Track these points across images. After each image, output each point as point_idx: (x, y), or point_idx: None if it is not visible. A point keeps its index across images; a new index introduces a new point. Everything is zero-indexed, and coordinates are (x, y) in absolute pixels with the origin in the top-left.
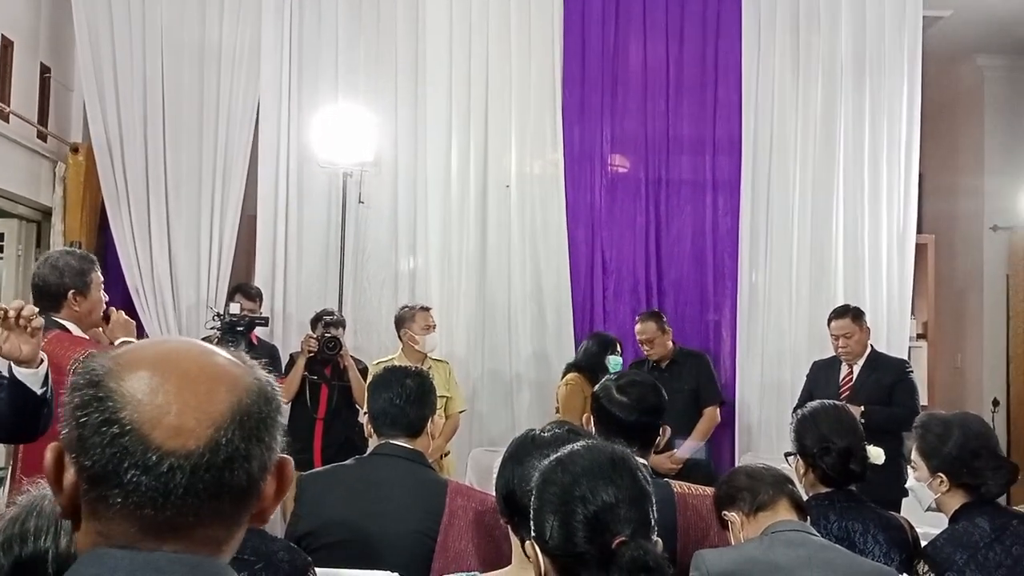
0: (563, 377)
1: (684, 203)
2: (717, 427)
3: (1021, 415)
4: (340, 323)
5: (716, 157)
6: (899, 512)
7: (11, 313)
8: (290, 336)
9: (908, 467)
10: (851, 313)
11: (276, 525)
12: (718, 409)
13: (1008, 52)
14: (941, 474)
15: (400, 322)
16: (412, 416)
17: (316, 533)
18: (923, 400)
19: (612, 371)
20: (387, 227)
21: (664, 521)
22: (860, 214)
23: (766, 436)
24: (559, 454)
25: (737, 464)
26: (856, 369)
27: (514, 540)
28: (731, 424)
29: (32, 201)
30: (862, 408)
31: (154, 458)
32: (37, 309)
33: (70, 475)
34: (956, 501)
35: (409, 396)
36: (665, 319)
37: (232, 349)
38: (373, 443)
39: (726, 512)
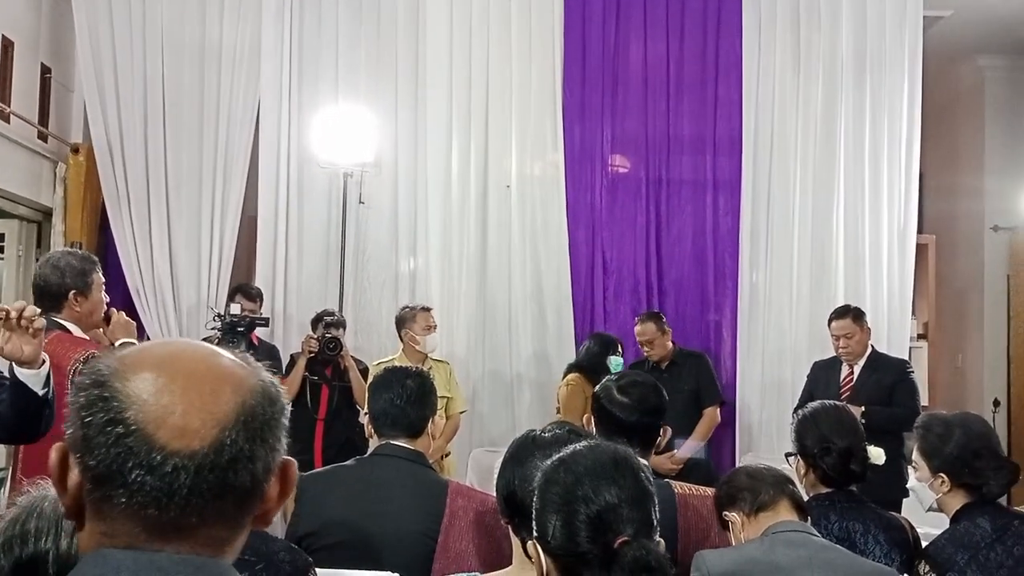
0: (564, 377)
1: (684, 203)
2: (717, 427)
3: (1022, 415)
4: (340, 324)
5: (716, 156)
6: (900, 512)
7: (13, 314)
8: (291, 337)
9: (909, 467)
10: (852, 313)
11: (277, 526)
12: (718, 409)
13: (1009, 52)
14: (942, 474)
15: (401, 322)
16: (413, 417)
17: (317, 534)
18: (924, 400)
19: (613, 371)
20: (388, 228)
21: (665, 522)
22: (861, 214)
23: (767, 436)
24: (562, 454)
25: (738, 464)
26: (857, 369)
27: (515, 541)
28: (732, 424)
29: (33, 201)
30: (863, 408)
31: (158, 458)
32: (39, 310)
33: (74, 475)
34: (957, 501)
35: (410, 397)
36: (665, 320)
37: (234, 350)
38: (374, 444)
39: (727, 512)
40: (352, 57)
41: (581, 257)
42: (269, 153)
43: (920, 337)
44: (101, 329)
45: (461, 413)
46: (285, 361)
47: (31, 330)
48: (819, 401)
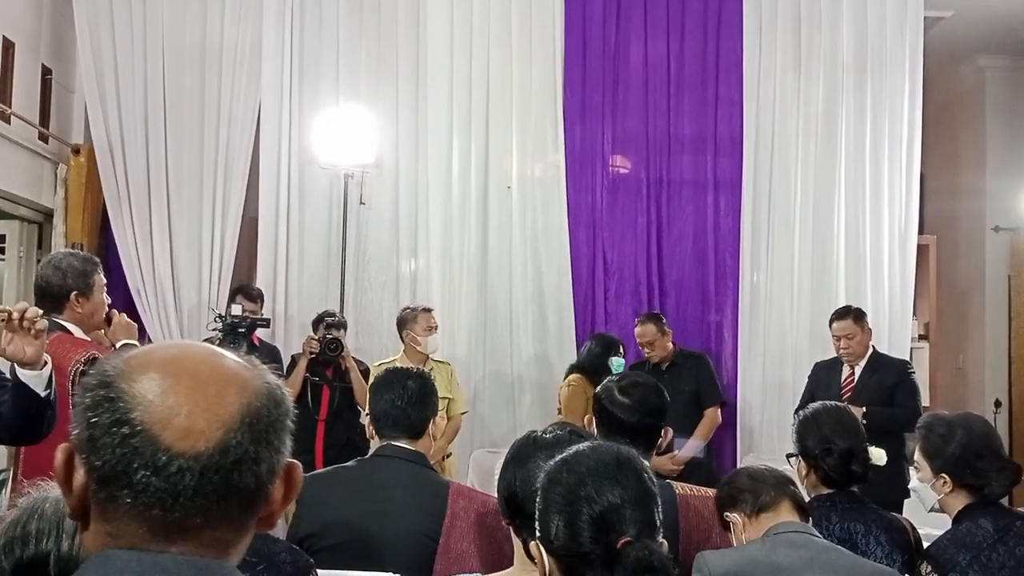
0: (565, 378)
1: (685, 203)
2: (719, 428)
3: (1023, 416)
4: (341, 324)
5: (717, 157)
6: (901, 513)
7: (15, 315)
8: (292, 337)
9: (910, 468)
10: (853, 314)
11: (278, 526)
12: (719, 410)
13: (1009, 53)
14: (944, 475)
15: (402, 323)
16: (414, 418)
17: (318, 534)
18: (925, 401)
19: (615, 372)
20: (388, 228)
21: (666, 522)
22: (861, 214)
23: (768, 437)
24: (565, 454)
25: (739, 465)
26: (858, 370)
27: (516, 542)
28: (733, 425)
29: (34, 203)
30: (864, 409)
31: (164, 459)
32: (41, 311)
33: (80, 476)
34: (959, 502)
35: (411, 398)
36: (665, 321)
37: (238, 352)
38: (375, 445)
39: (728, 513)
40: (353, 58)
41: (582, 258)
42: (270, 154)
43: (921, 338)
44: (102, 330)
45: (462, 414)
46: (286, 362)
47: (33, 331)
48: (820, 402)
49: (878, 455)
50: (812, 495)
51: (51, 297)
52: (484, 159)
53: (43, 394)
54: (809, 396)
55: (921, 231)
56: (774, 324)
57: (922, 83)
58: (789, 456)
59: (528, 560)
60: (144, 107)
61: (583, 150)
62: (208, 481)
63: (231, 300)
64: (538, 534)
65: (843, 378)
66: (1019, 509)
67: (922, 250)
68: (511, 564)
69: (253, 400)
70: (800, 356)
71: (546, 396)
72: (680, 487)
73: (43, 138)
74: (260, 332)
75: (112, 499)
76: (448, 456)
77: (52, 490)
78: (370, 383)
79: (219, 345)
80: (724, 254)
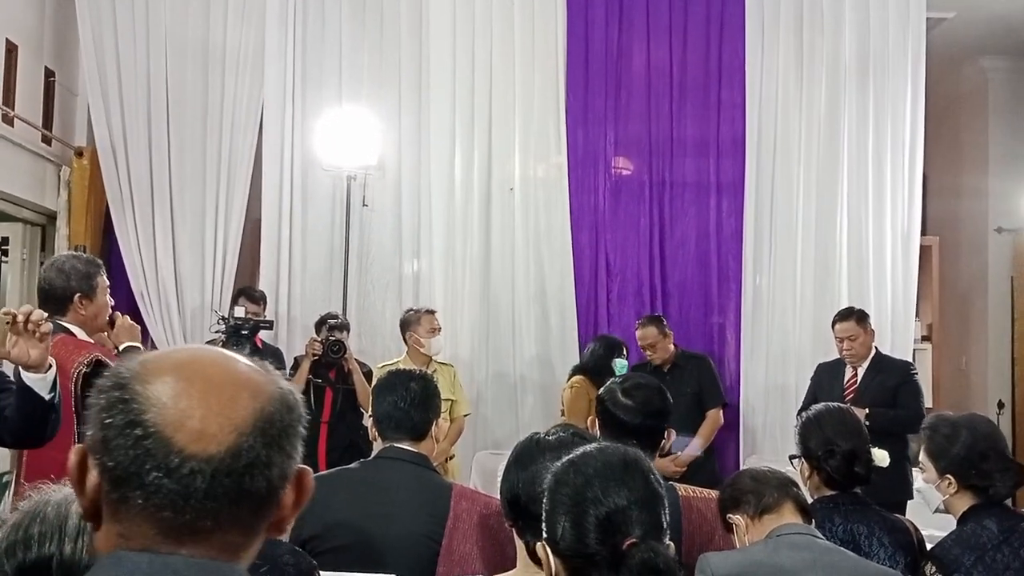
0: (568, 380)
1: (688, 205)
2: (721, 430)
3: None
4: (344, 326)
5: (720, 159)
6: (904, 514)
7: (20, 317)
8: (294, 339)
9: (914, 469)
10: (855, 315)
11: None
12: (721, 411)
13: (1012, 54)
14: (949, 475)
15: (405, 325)
16: (416, 419)
17: (321, 536)
18: (928, 402)
19: (618, 374)
20: (391, 230)
21: (669, 524)
22: (864, 216)
23: (770, 439)
24: (572, 456)
25: (741, 467)
26: (860, 371)
27: (519, 543)
28: (735, 427)
29: (37, 205)
30: (866, 410)
31: (176, 461)
32: (46, 314)
33: (93, 476)
34: (964, 503)
35: (413, 399)
36: (666, 323)
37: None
38: (377, 447)
39: (731, 515)
40: (355, 60)
41: (584, 260)
42: (273, 156)
43: (924, 339)
44: (105, 332)
45: (465, 416)
46: (289, 364)
47: (38, 334)
48: (823, 403)
49: (881, 456)
50: (815, 497)
51: (54, 299)
52: (487, 161)
53: (47, 397)
54: (812, 397)
55: (924, 232)
56: (777, 326)
57: (924, 84)
58: (792, 458)
59: (531, 562)
60: (147, 109)
61: (586, 152)
62: (219, 484)
63: (234, 302)
64: (544, 535)
65: (846, 379)
66: None
67: (925, 251)
68: (514, 566)
69: (266, 405)
70: (803, 358)
71: (549, 398)
72: (683, 489)
73: (46, 140)
74: (263, 334)
75: (124, 500)
76: (451, 458)
77: (54, 493)
78: (373, 385)
79: (222, 347)
80: (727, 256)
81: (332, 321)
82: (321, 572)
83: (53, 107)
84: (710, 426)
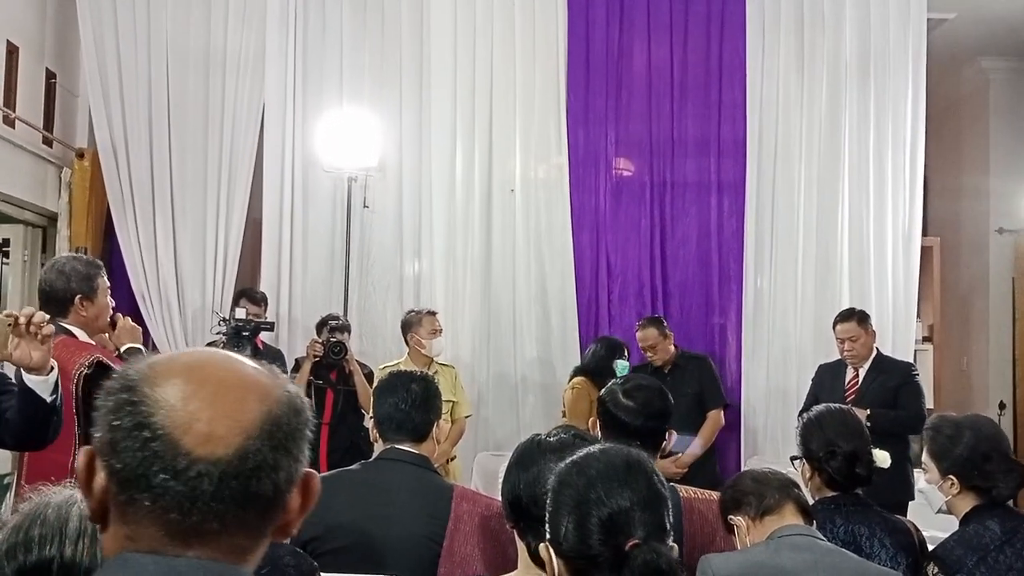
0: (569, 381)
1: (689, 206)
2: (722, 431)
3: None
4: (345, 328)
5: (721, 159)
6: (905, 515)
7: (22, 320)
8: (295, 341)
9: (916, 470)
10: (856, 316)
11: None
12: (722, 412)
13: (1012, 54)
14: (952, 476)
15: (407, 326)
16: (417, 421)
17: (322, 538)
18: (929, 403)
19: (619, 375)
20: (392, 231)
21: (673, 525)
22: (865, 216)
23: (772, 440)
24: (575, 457)
25: (743, 468)
26: (862, 372)
27: (520, 545)
28: (737, 428)
29: (38, 207)
30: (868, 411)
31: (184, 463)
32: (48, 316)
33: (100, 478)
34: (967, 503)
35: (414, 401)
36: (666, 324)
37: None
38: (379, 448)
39: (732, 516)
40: (356, 61)
41: (585, 260)
42: (273, 157)
43: (925, 340)
44: (107, 334)
45: (466, 417)
46: (290, 365)
47: (40, 336)
48: (824, 404)
49: (882, 457)
50: (816, 498)
51: (55, 301)
52: (487, 162)
53: (49, 399)
54: (813, 398)
55: (925, 233)
56: (778, 327)
57: (925, 85)
58: (793, 459)
59: (532, 564)
60: (148, 111)
61: (587, 153)
62: (226, 487)
63: (235, 303)
64: (548, 536)
65: (847, 380)
66: None
67: (926, 252)
68: (515, 567)
69: (273, 408)
70: (804, 358)
71: (550, 399)
72: (684, 490)
73: (47, 142)
74: (264, 335)
75: (131, 502)
76: (452, 459)
77: (54, 496)
78: (374, 386)
79: (222, 349)
80: (728, 257)
81: (333, 322)
82: (322, 573)
83: (54, 109)
84: (711, 427)
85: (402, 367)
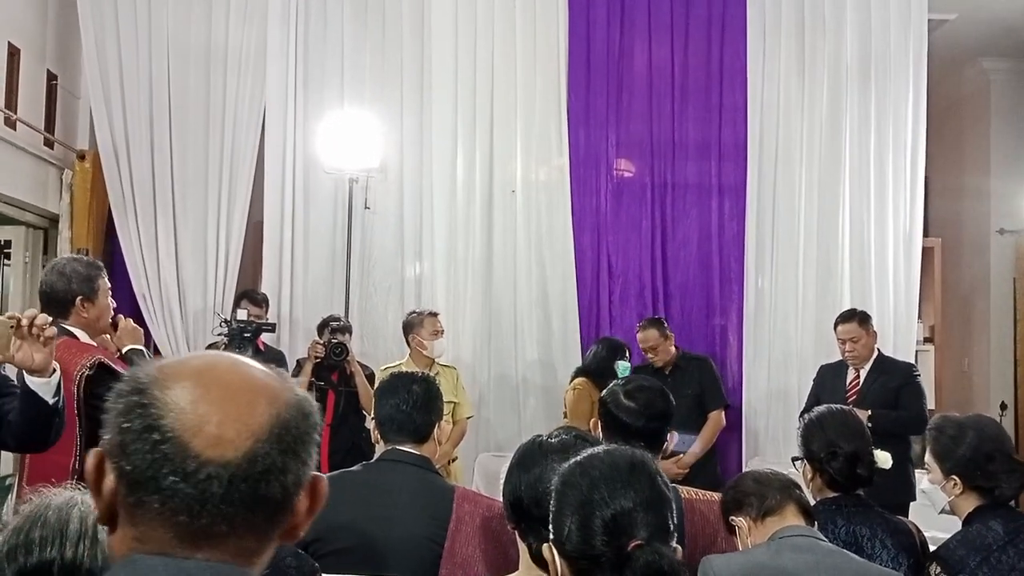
0: (571, 382)
1: (690, 207)
2: (723, 432)
3: None
4: (347, 329)
5: (722, 161)
6: (907, 516)
7: (24, 322)
8: (297, 342)
9: (917, 471)
10: (858, 317)
11: None
12: (723, 413)
13: (1013, 55)
14: (955, 476)
15: (408, 328)
16: (419, 422)
17: (323, 539)
18: (930, 404)
19: (620, 376)
20: (393, 233)
21: (677, 526)
22: (866, 217)
23: (773, 441)
24: (579, 457)
25: (744, 469)
26: (863, 373)
27: (521, 546)
28: (738, 429)
29: (39, 208)
30: (869, 412)
31: (193, 465)
32: (50, 318)
33: (110, 480)
34: (969, 504)
35: (416, 402)
36: (666, 325)
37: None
38: (380, 449)
39: (733, 517)
40: (357, 62)
41: (586, 262)
42: (275, 158)
43: (926, 340)
44: (109, 335)
45: (468, 418)
46: (291, 367)
47: (42, 338)
48: (825, 405)
49: (883, 458)
50: (817, 499)
51: (56, 303)
52: (488, 163)
53: (51, 401)
54: (814, 399)
55: (926, 234)
56: (779, 328)
57: (926, 86)
58: (794, 460)
59: (533, 565)
60: (149, 112)
61: (587, 154)
62: (235, 489)
63: (236, 305)
64: (551, 536)
65: (848, 381)
66: None
67: (927, 253)
68: (516, 568)
69: (283, 412)
70: (805, 359)
71: (551, 400)
72: (685, 491)
73: (48, 144)
74: (265, 337)
75: (141, 504)
76: (453, 460)
77: (55, 497)
78: (375, 388)
79: (224, 350)
80: (729, 258)
81: (334, 323)
82: (323, 574)
83: (55, 110)
84: (712, 428)
85: (403, 368)
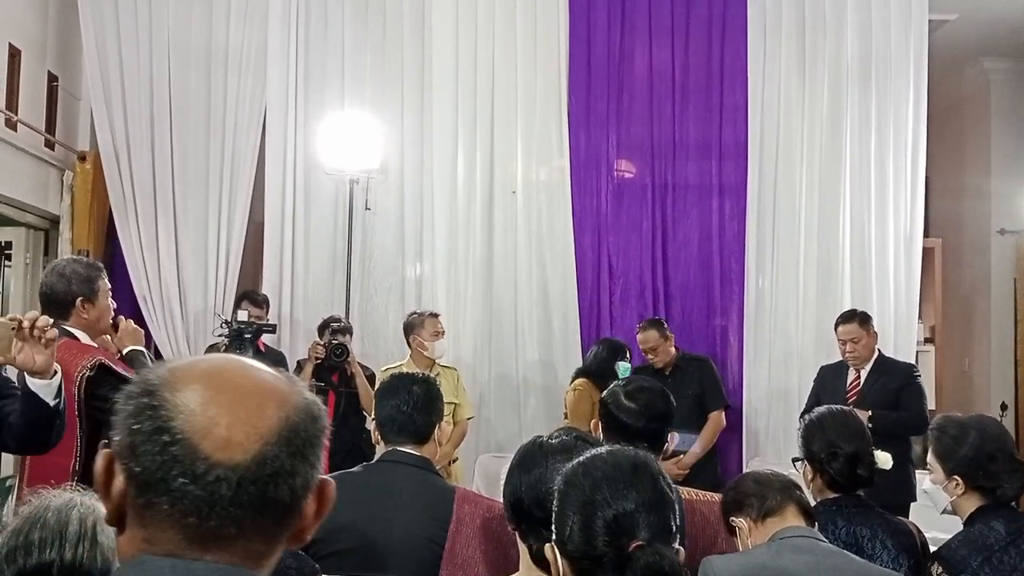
0: (571, 382)
1: (690, 208)
2: (724, 432)
3: None
4: (347, 330)
5: (722, 162)
6: (907, 517)
7: (25, 324)
8: (297, 343)
9: (917, 471)
10: (858, 317)
11: None
12: (723, 413)
13: (1013, 55)
14: (957, 477)
15: (409, 328)
16: (419, 423)
17: (323, 540)
18: (931, 404)
19: (621, 377)
20: (394, 234)
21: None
22: (867, 218)
23: (773, 441)
24: (582, 458)
25: (744, 470)
26: (863, 374)
27: (522, 547)
28: (738, 430)
29: (40, 209)
30: (869, 413)
31: (202, 467)
32: (52, 320)
33: (119, 482)
34: (971, 504)
35: (416, 403)
36: (666, 325)
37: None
38: (380, 450)
39: (734, 518)
40: (358, 63)
41: (587, 262)
42: (275, 159)
43: (927, 341)
44: (109, 336)
45: (468, 419)
46: (292, 367)
47: (43, 340)
48: (826, 406)
49: (884, 459)
50: (818, 499)
51: (56, 304)
52: (489, 164)
53: (52, 403)
54: (815, 400)
55: (926, 234)
56: (779, 328)
57: (926, 86)
58: (795, 460)
59: (534, 566)
60: (150, 113)
61: (588, 155)
62: (244, 492)
63: (237, 306)
64: (553, 536)
65: (849, 382)
66: None
67: (927, 253)
68: (517, 569)
69: (292, 415)
70: (805, 360)
71: (552, 400)
72: (686, 492)
73: (49, 145)
74: (266, 338)
75: (150, 505)
76: (454, 461)
77: (54, 499)
78: (376, 388)
79: (224, 351)
80: (729, 259)
81: (335, 324)
82: None
83: (56, 111)
84: (712, 428)
85: (404, 369)
